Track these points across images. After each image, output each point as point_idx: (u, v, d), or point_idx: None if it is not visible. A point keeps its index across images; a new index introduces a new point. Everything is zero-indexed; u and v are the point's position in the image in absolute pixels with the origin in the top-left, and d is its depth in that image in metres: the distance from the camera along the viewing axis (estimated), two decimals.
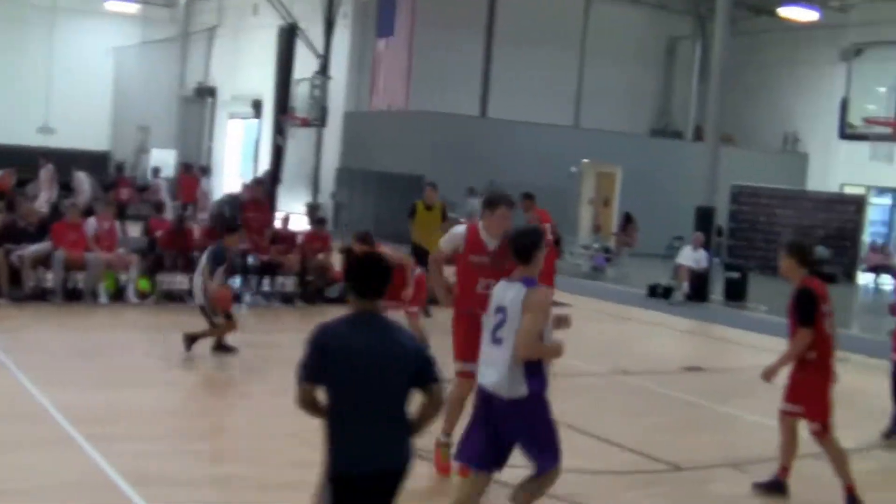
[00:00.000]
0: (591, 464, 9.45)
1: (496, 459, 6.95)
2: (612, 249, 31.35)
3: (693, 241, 24.67)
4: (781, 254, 8.89)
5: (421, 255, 17.85)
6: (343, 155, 38.97)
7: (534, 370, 6.68)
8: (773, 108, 42.94)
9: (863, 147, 19.07)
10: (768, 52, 42.52)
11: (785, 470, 8.89)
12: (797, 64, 41.91)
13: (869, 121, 18.93)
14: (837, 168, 40.03)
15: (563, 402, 11.61)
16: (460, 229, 8.91)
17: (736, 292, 24.36)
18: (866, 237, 36.31)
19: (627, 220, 32.29)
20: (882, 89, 19.37)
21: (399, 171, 34.17)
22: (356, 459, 5.28)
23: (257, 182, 22.29)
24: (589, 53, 40.19)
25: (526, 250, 6.89)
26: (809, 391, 8.81)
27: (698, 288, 24.10)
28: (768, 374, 8.90)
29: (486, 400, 6.84)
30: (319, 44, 37.70)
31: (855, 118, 19.39)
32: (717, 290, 24.93)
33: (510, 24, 38.55)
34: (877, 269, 33.05)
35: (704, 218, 25.32)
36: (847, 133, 19.53)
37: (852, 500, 8.68)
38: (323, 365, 5.26)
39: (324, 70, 36.99)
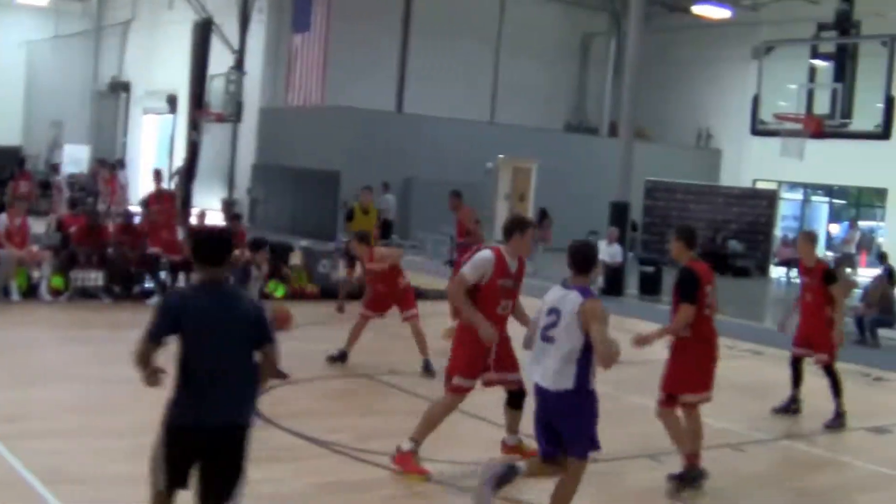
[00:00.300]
0: (504, 456, 9.49)
1: (557, 446, 7.48)
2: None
3: (608, 236, 24.93)
4: (671, 238, 9.10)
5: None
6: (259, 150, 38.77)
7: (583, 364, 7.25)
8: (687, 104, 43.53)
9: (774, 143, 19.40)
10: (682, 49, 43.12)
11: (694, 457, 9.03)
12: (711, 61, 42.54)
13: (779, 117, 19.23)
14: (750, 163, 40.73)
15: (481, 396, 11.73)
16: (488, 255, 8.93)
17: (650, 286, 24.70)
18: (778, 231, 36.96)
19: (543, 216, 32.47)
20: (792, 86, 19.69)
21: (315, 166, 34.15)
22: (198, 413, 5.68)
23: (156, 174, 22.02)
24: (505, 49, 40.40)
25: (587, 262, 7.67)
26: (686, 368, 9.05)
27: (613, 282, 24.38)
28: (640, 341, 9.13)
29: (538, 393, 7.43)
30: (235, 39, 37.49)
31: (766, 114, 19.69)
32: (632, 284, 25.23)
33: (426, 19, 38.62)
34: (788, 263, 33.63)
35: (619, 213, 25.57)
36: (758, 129, 19.81)
37: (691, 469, 8.85)
38: (172, 326, 5.68)
39: (239, 65, 36.76)
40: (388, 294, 13.40)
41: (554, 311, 7.44)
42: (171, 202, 20.23)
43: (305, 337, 14.70)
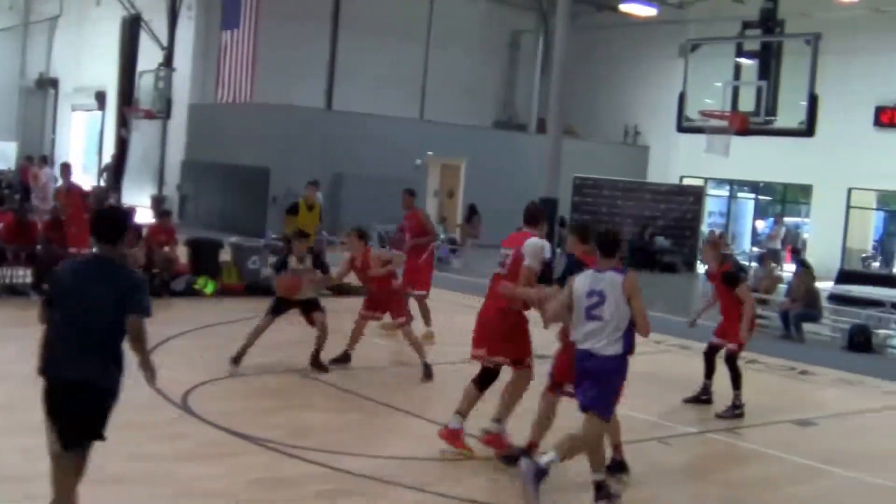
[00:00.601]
0: (434, 451, 9.55)
1: None
2: (458, 241, 31.65)
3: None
4: (567, 233, 9.47)
5: None
6: (188, 147, 38.47)
7: (627, 335, 8.27)
8: (615, 101, 43.89)
9: (701, 140, 19.61)
10: (610, 47, 43.47)
11: (533, 445, 9.12)
12: (638, 59, 42.93)
13: (704, 114, 19.47)
14: (677, 160, 41.19)
15: (408, 390, 11.81)
16: (543, 243, 9.45)
17: None
18: (705, 227, 37.41)
19: (472, 212, 32.62)
20: (718, 84, 19.94)
21: (244, 163, 34.03)
22: (55, 367, 6.22)
23: (65, 168, 21.66)
24: (434, 46, 40.50)
25: (614, 246, 8.51)
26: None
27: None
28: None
29: (583, 359, 8.35)
30: (164, 35, 37.24)
31: (692, 112, 19.93)
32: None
33: (356, 15, 38.56)
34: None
35: (547, 209, 25.73)
36: (684, 126, 20.04)
37: (524, 452, 8.95)
38: (53, 291, 6.34)
39: (168, 62, 36.55)
40: (380, 296, 13.42)
41: (594, 293, 8.28)
42: (80, 197, 19.93)
43: (235, 334, 14.66)
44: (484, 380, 9.68)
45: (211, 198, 35.95)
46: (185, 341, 14.33)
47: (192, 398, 10.70)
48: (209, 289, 18.70)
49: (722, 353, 12.48)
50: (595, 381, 8.27)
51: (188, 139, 38.44)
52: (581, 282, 8.44)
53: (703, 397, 12.77)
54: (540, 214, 9.84)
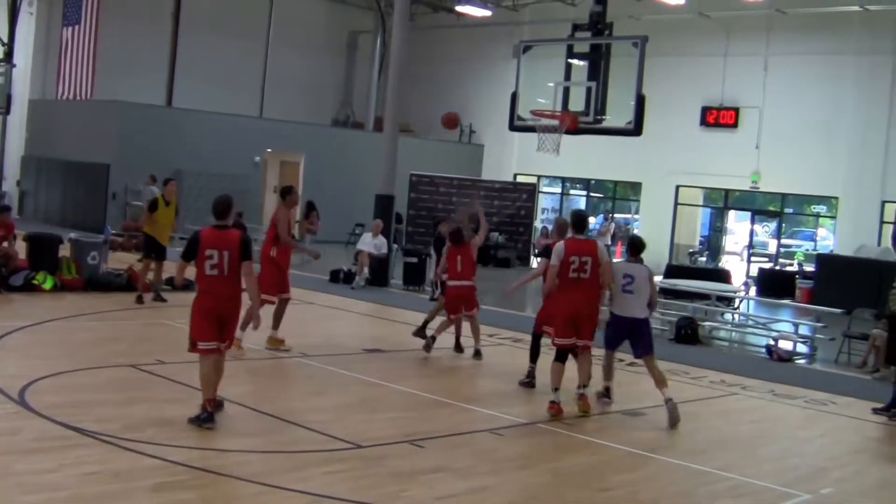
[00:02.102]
0: (271, 444, 9.63)
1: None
2: (296, 236, 31.59)
3: (373, 228, 25.28)
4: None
5: (157, 249, 17.86)
6: (28, 142, 37.79)
7: (648, 305, 12.60)
8: (451, 100, 44.22)
9: (535, 139, 19.94)
10: (446, 47, 43.94)
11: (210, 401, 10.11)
12: (473, 59, 43.48)
13: (535, 113, 19.79)
14: (511, 158, 41.87)
15: (244, 384, 11.84)
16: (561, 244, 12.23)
17: (414, 277, 25.15)
18: (538, 223, 38.08)
19: (310, 208, 32.53)
20: (550, 84, 20.29)
21: (85, 159, 33.80)
22: None
23: None
24: (274, 45, 40.64)
25: (640, 247, 12.84)
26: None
27: (378, 273, 24.73)
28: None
29: (625, 322, 12.58)
30: (3, 31, 36.53)
31: (524, 111, 20.23)
32: (396, 275, 25.62)
33: (196, 14, 38.32)
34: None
35: (384, 205, 25.93)
36: (517, 125, 20.32)
37: (208, 412, 10.01)
38: None
39: (8, 57, 35.81)
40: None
41: (628, 276, 12.40)
42: None
43: (72, 328, 14.48)
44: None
45: (51, 193, 35.67)
46: (23, 336, 14.14)
47: (30, 393, 10.57)
48: (48, 284, 18.40)
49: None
50: (640, 336, 12.61)
51: (28, 135, 37.81)
52: (619, 266, 12.59)
53: (526, 380, 13.71)
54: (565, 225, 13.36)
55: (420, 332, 15.83)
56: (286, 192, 14.98)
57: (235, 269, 10.20)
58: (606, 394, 13.12)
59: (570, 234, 12.55)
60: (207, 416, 9.93)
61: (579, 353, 12.24)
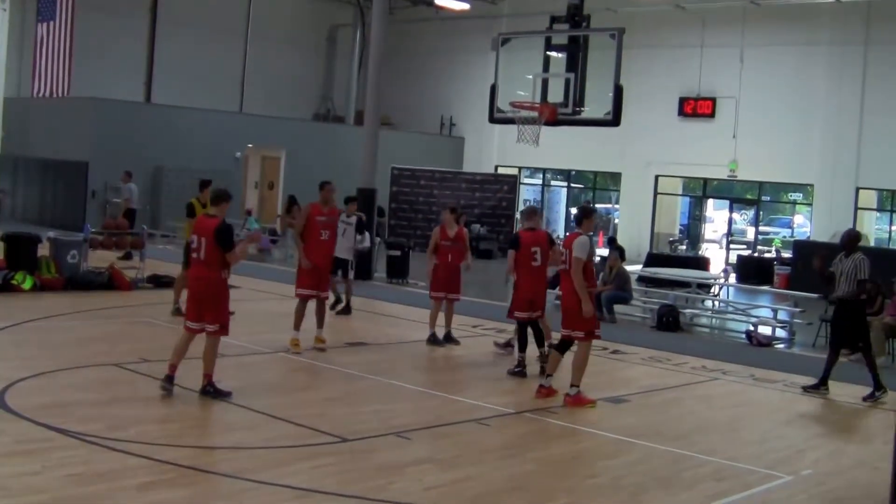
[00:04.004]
0: (256, 439, 9.68)
1: None
2: (278, 231, 31.65)
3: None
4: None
5: None
6: (4, 141, 37.51)
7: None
8: (431, 93, 44.41)
9: (515, 130, 20.03)
10: (426, 41, 43.99)
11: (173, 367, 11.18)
12: (453, 52, 43.53)
13: (514, 104, 19.88)
14: (492, 150, 41.96)
15: (230, 380, 11.88)
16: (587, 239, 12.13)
17: (398, 270, 25.21)
18: (519, 215, 38.14)
19: (292, 203, 32.55)
20: (528, 76, 20.37)
21: (63, 157, 33.73)
22: None
23: None
24: (253, 40, 40.71)
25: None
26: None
27: (362, 266, 24.73)
28: None
29: None
30: None
31: (504, 103, 20.31)
32: (380, 268, 25.68)
33: (174, 9, 38.27)
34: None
35: (366, 199, 25.92)
36: (496, 117, 20.42)
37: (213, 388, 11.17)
38: None
39: None
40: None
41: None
42: None
43: (53, 328, 14.50)
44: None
45: (29, 192, 35.61)
46: (2, 337, 14.11)
47: (10, 394, 10.57)
48: (27, 284, 18.35)
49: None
50: None
51: (4, 133, 37.46)
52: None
53: (517, 370, 13.79)
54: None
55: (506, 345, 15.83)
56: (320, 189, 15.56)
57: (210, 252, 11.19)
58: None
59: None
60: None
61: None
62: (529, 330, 13.97)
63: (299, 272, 14.73)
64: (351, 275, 18.61)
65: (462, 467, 9.29)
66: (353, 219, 18.28)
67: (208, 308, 11.21)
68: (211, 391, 11.11)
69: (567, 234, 12.73)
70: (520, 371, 13.84)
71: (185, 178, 32.76)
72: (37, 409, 10.07)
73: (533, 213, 14.76)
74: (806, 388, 14.32)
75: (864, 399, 13.89)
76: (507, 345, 15.45)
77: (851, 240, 14.37)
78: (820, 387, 14.18)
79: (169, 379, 11.07)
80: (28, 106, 36.78)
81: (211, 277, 11.17)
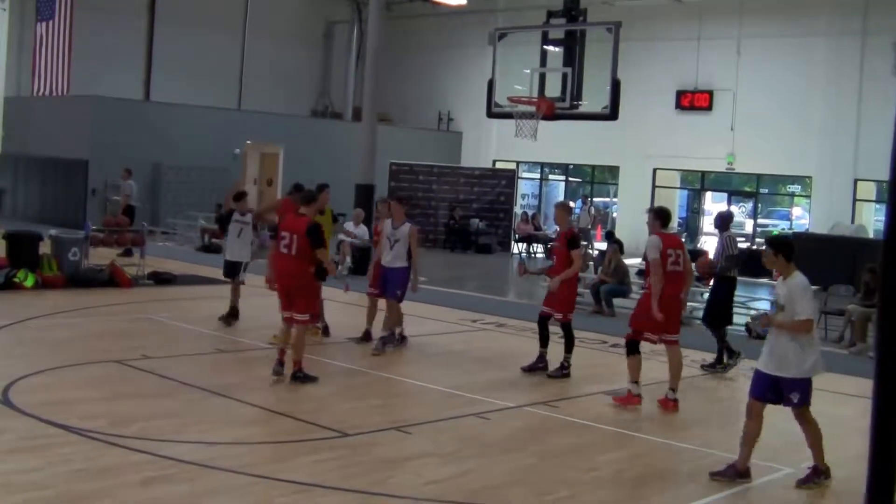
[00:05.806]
0: (258, 435, 9.76)
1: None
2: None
3: (354, 218, 25.32)
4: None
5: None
6: (5, 140, 37.56)
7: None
8: (429, 89, 44.40)
9: (512, 125, 20.08)
10: (423, 36, 43.97)
11: None
12: (450, 47, 43.52)
13: (512, 99, 19.94)
14: (490, 145, 41.96)
15: (227, 376, 11.93)
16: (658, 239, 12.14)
17: None
18: (518, 209, 38.20)
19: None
20: (526, 71, 20.42)
21: (63, 155, 33.80)
22: None
23: None
24: (251, 37, 40.75)
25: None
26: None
27: (361, 261, 24.79)
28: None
29: None
30: None
31: (501, 98, 20.37)
32: None
33: (172, 6, 38.22)
34: (528, 239, 34.93)
35: (365, 195, 26.02)
36: (494, 112, 20.48)
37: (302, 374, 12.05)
38: None
39: None
40: None
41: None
42: None
43: (55, 325, 14.54)
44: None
45: (30, 191, 35.73)
46: (4, 335, 14.14)
47: (13, 391, 10.61)
48: (29, 282, 18.39)
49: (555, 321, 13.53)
50: None
51: (4, 132, 37.51)
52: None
53: (538, 365, 13.65)
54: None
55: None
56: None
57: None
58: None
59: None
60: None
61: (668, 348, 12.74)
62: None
63: None
64: (244, 277, 16.63)
65: (463, 461, 9.32)
66: (248, 217, 17.31)
67: (298, 299, 12.20)
68: (301, 376, 12.09)
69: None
70: (541, 367, 13.68)
71: (184, 175, 32.87)
72: (40, 405, 10.11)
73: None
74: (703, 367, 15.03)
75: (703, 367, 14.88)
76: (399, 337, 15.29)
77: (724, 220, 15.33)
78: (716, 365, 14.92)
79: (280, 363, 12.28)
80: (28, 105, 36.79)
81: (300, 271, 12.18)
